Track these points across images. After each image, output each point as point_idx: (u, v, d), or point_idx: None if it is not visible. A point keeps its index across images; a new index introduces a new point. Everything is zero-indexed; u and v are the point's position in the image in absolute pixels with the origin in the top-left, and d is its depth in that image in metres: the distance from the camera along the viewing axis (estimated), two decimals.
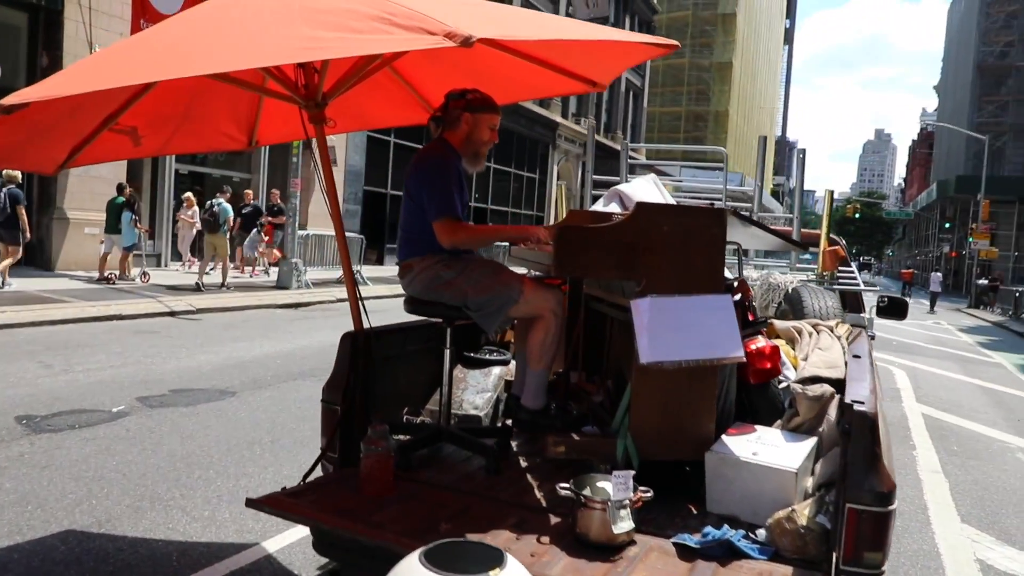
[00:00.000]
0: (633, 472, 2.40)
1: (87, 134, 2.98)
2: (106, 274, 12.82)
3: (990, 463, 6.47)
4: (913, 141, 75.38)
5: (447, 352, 3.15)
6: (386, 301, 14.44)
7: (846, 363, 3.19)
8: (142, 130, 3.09)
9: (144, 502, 4.06)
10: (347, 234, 13.72)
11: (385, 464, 2.70)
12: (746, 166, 55.58)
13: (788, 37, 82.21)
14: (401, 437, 3.21)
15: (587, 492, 2.43)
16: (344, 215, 20.12)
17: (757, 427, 2.90)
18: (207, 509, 4.03)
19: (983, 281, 34.20)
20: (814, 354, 3.21)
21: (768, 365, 2.97)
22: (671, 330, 2.64)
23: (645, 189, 4.13)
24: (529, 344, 3.03)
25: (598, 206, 4.26)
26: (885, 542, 2.27)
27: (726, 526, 2.53)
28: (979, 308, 32.09)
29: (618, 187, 4.17)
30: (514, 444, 3.27)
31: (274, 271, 15.55)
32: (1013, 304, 27.75)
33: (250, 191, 16.71)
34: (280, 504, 2.59)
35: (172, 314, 10.72)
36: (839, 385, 3.06)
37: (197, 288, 12.78)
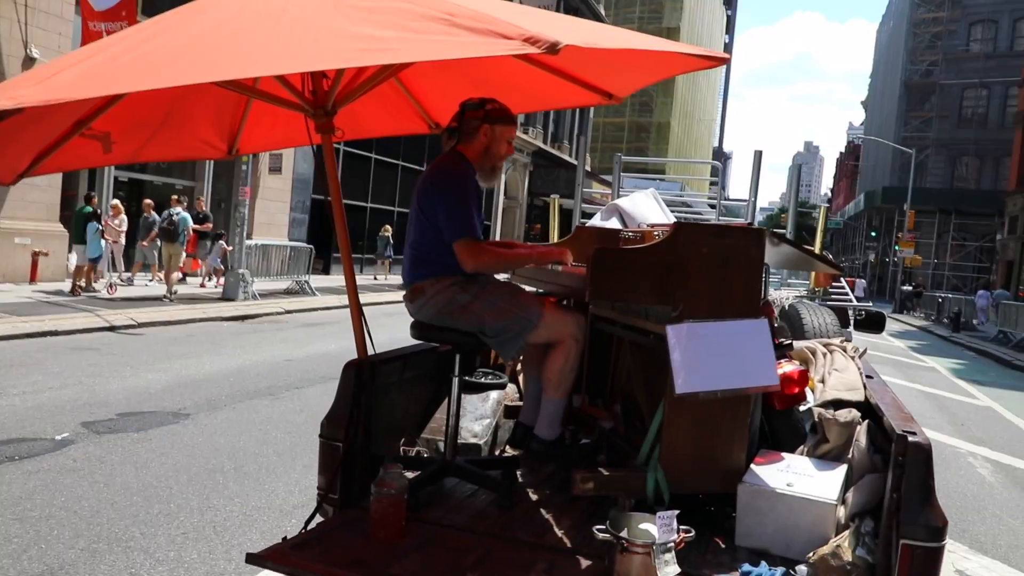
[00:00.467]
0: (677, 512, 2.23)
1: (55, 139, 2.66)
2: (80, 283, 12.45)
3: (946, 470, 6.54)
4: (841, 153, 78.17)
5: (455, 381, 2.93)
6: (336, 312, 14.10)
7: (864, 384, 3.10)
8: (115, 136, 2.78)
9: (100, 544, 3.70)
10: (294, 244, 13.28)
11: (398, 507, 2.47)
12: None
13: (727, 51, 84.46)
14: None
15: (625, 534, 2.26)
16: (291, 224, 19.66)
17: (784, 455, 2.78)
18: (172, 549, 3.70)
19: (907, 287, 35.60)
20: (832, 376, 3.11)
21: (796, 390, 2.85)
22: (707, 358, 2.49)
23: (646, 204, 4.00)
24: (547, 371, 2.84)
25: (595, 221, 4.10)
26: None
27: (764, 564, 2.39)
28: (903, 313, 33.32)
29: (617, 202, 4.03)
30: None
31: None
32: (936, 309, 28.91)
33: (202, 198, 16.06)
34: (286, 559, 2.32)
35: (112, 329, 10.13)
36: (860, 408, 2.97)
37: (168, 299, 12.65)
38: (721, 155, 68.82)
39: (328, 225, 21.13)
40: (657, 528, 2.19)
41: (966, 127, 38.53)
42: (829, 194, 56.51)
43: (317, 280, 16.97)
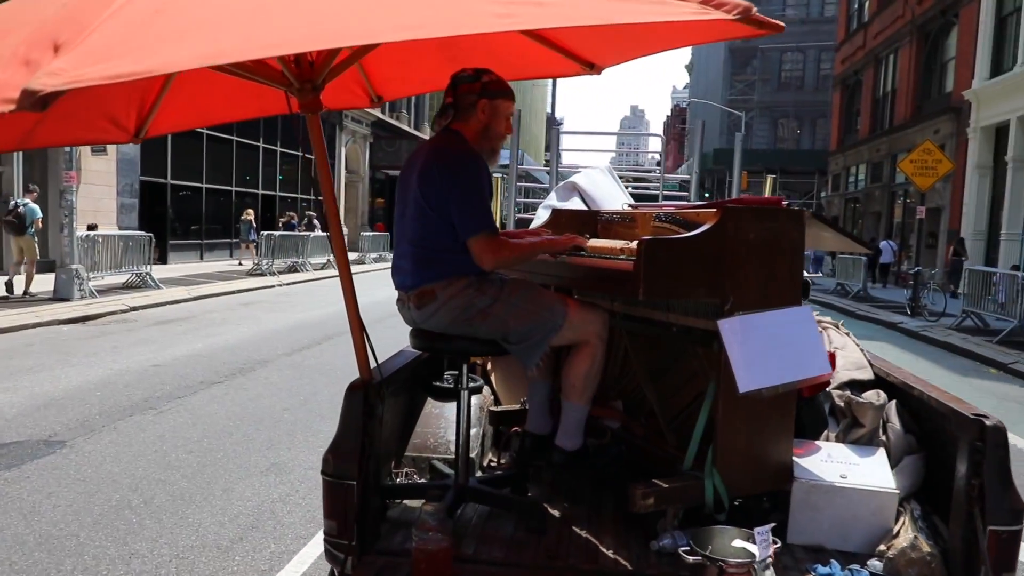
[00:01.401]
0: (773, 524, 2.06)
1: None
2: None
3: None
4: (667, 117, 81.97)
5: (464, 394, 2.60)
6: (189, 306, 12.96)
7: (869, 361, 3.08)
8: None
9: None
10: (130, 232, 12.01)
11: (445, 553, 2.13)
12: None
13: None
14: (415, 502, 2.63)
15: (710, 552, 2.07)
16: (120, 210, 17.81)
17: (819, 444, 2.69)
18: None
19: None
20: (837, 356, 3.06)
21: (826, 376, 2.75)
22: (763, 352, 2.32)
23: (604, 181, 3.78)
24: (571, 375, 2.57)
25: (552, 200, 3.84)
26: (1016, 562, 2.16)
27: (835, 563, 2.29)
28: None
29: (574, 180, 3.78)
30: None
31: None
32: None
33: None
34: None
35: None
36: (874, 386, 2.94)
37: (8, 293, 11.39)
38: (553, 121, 70.10)
39: (160, 210, 19.42)
40: (757, 544, 2.02)
41: (785, 90, 41.56)
42: (658, 157, 58.96)
43: (158, 271, 15.51)
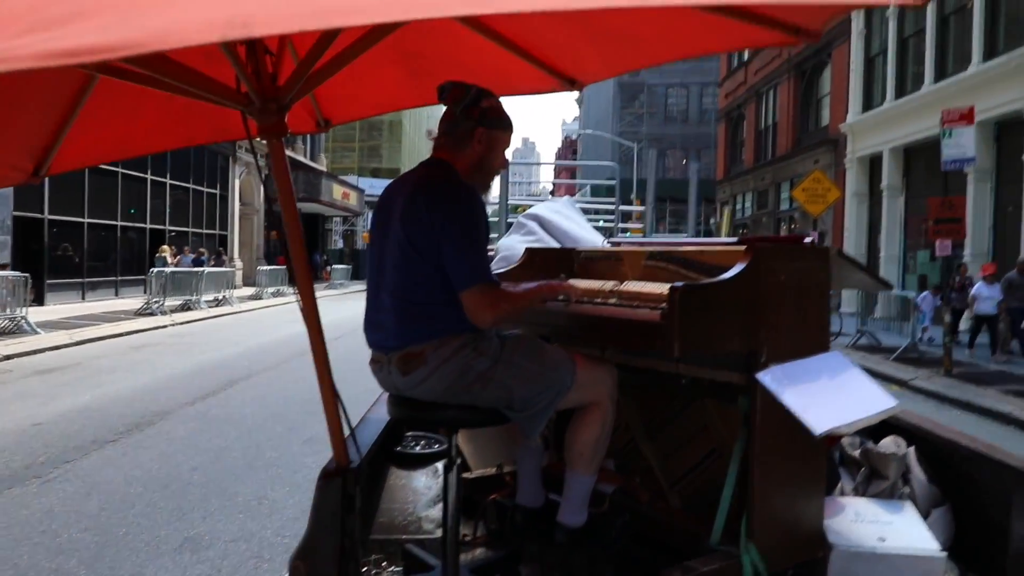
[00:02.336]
0: None
1: None
2: None
3: None
4: (559, 148, 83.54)
5: (453, 476, 2.21)
6: (72, 352, 11.76)
7: None
8: None
9: None
10: (3, 273, 10.79)
11: None
12: None
13: None
14: None
15: None
16: None
17: (840, 500, 2.46)
18: None
19: None
20: None
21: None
22: (820, 395, 2.05)
23: (567, 214, 3.49)
24: (578, 441, 2.24)
25: (515, 237, 3.51)
26: None
27: None
28: None
29: (535, 211, 3.47)
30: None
31: None
32: None
33: None
34: None
35: None
36: (886, 431, 2.75)
37: None
38: None
39: (36, 247, 17.84)
40: None
41: (671, 123, 43.51)
42: (551, 187, 60.04)
43: (34, 313, 14.14)
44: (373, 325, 2.18)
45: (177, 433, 6.65)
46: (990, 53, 14.75)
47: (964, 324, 13.10)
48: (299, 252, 1.97)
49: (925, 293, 10.96)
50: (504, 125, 2.23)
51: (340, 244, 44.96)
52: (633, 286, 2.47)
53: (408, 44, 2.39)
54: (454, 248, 2.02)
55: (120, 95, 2.24)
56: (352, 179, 42.66)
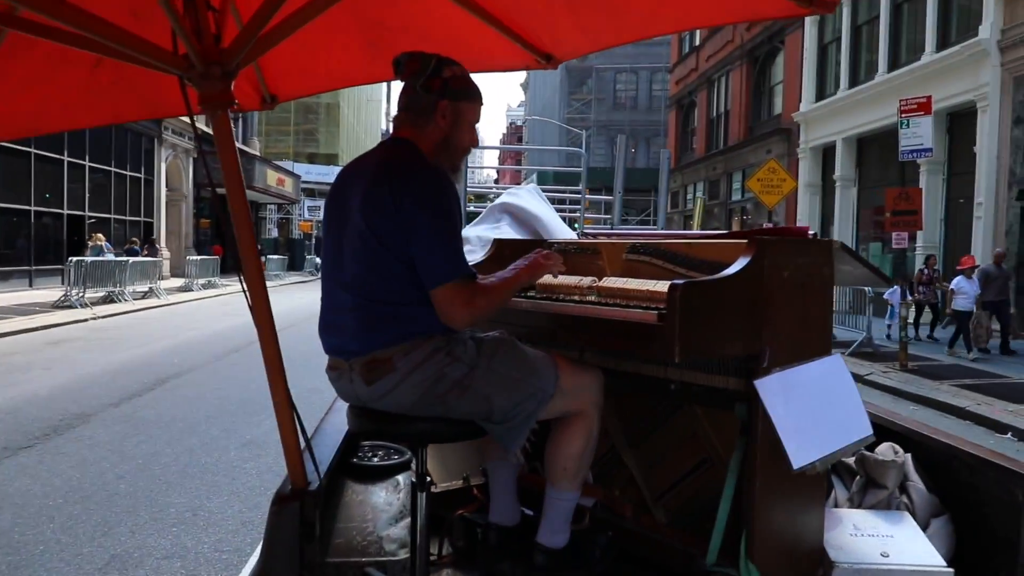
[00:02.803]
0: None
1: None
2: None
3: None
4: (503, 135, 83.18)
5: (423, 496, 1.95)
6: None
7: None
8: None
9: None
10: None
11: None
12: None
13: None
14: None
15: None
16: None
17: (836, 512, 2.29)
18: None
19: None
20: None
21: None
22: (808, 415, 1.88)
23: (534, 203, 3.25)
24: (560, 455, 2.00)
25: (481, 227, 3.25)
26: None
27: None
28: None
29: (505, 201, 3.22)
30: None
31: None
32: None
33: None
34: None
35: None
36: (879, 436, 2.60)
37: None
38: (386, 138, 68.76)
39: None
40: None
41: (620, 109, 43.22)
42: (495, 175, 59.71)
43: None
44: (331, 327, 1.91)
45: (100, 438, 6.18)
46: (943, 43, 15.02)
47: (924, 318, 13.19)
48: (248, 242, 1.69)
49: (895, 287, 10.97)
50: (471, 95, 1.98)
51: (275, 233, 43.72)
52: (614, 282, 2.25)
53: (369, 10, 2.11)
54: (423, 239, 1.76)
55: (33, 62, 1.91)
56: (287, 164, 41.51)
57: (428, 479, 1.94)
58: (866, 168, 18.64)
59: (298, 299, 20.87)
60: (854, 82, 18.41)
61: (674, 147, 32.26)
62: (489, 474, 2.28)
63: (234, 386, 8.32)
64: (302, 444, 1.76)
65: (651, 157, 39.60)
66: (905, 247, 11.16)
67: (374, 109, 63.10)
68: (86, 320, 14.65)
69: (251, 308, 1.75)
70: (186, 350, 11.02)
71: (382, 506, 2.46)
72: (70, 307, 15.74)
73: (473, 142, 2.00)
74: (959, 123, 14.91)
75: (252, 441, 6.03)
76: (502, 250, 2.65)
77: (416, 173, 1.82)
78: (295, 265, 39.10)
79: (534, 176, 27.43)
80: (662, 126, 36.77)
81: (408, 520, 2.46)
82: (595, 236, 2.68)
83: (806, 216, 20.39)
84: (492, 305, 1.86)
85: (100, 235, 19.87)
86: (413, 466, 2.67)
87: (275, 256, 34.16)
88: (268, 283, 1.75)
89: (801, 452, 1.79)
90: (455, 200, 1.83)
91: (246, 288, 1.70)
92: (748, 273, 1.80)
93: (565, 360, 2.02)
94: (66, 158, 21.11)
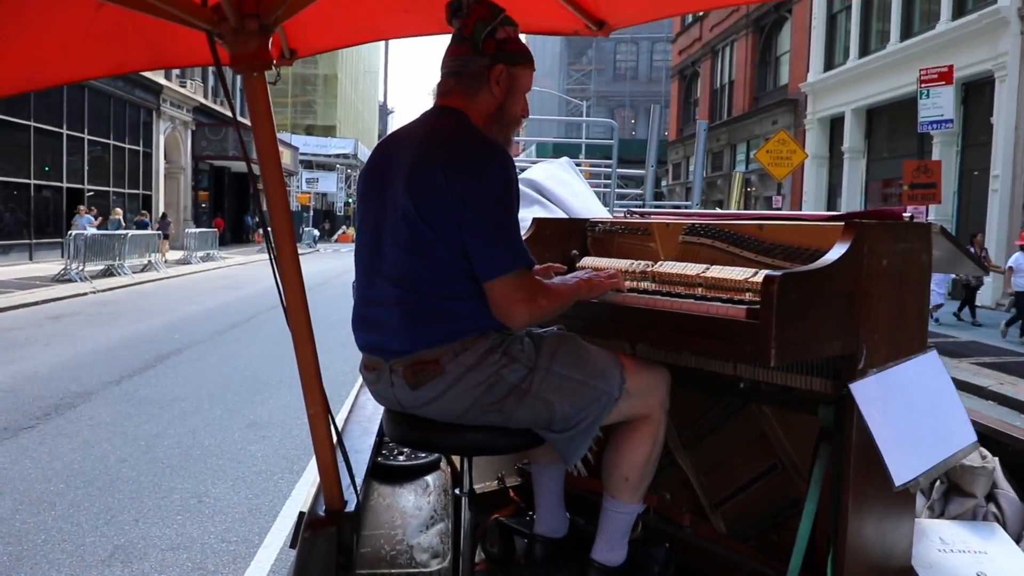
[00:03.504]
0: None
1: None
2: None
3: None
4: None
5: (464, 500, 1.74)
6: None
7: None
8: None
9: None
10: None
11: None
12: (355, 131, 55.10)
13: None
14: None
15: None
16: None
17: (920, 522, 2.08)
18: None
19: None
20: None
21: None
22: (909, 424, 1.66)
23: (567, 179, 3.00)
24: (623, 463, 1.78)
25: None
26: None
27: None
28: None
29: (533, 177, 2.97)
30: None
31: None
32: None
33: None
34: None
35: None
36: None
37: None
38: (385, 110, 68.20)
39: None
40: None
41: (621, 80, 42.63)
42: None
43: None
44: (367, 323, 1.68)
45: (102, 418, 5.98)
46: (959, 11, 14.62)
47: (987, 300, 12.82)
48: (285, 223, 1.45)
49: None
50: (526, 60, 1.74)
51: None
52: (673, 268, 2.02)
53: None
54: (482, 226, 1.54)
55: (27, 4, 1.66)
56: (285, 136, 40.95)
57: (473, 490, 1.72)
58: (875, 139, 18.31)
59: None
60: (864, 52, 18.01)
61: (676, 119, 31.78)
62: (535, 479, 2.06)
63: (236, 363, 8.12)
64: (343, 472, 1.53)
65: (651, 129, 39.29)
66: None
67: (372, 80, 62.39)
68: (86, 294, 14.42)
69: (285, 311, 1.51)
70: (186, 325, 10.81)
71: (411, 511, 2.24)
72: (70, 281, 15.51)
73: (525, 112, 1.77)
74: (975, 93, 14.56)
75: (256, 422, 5.83)
76: (543, 229, 2.41)
77: (473, 150, 1.58)
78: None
79: (532, 149, 27.07)
80: (663, 97, 36.25)
81: (440, 526, 2.25)
82: (644, 215, 2.44)
83: (812, 188, 20.11)
84: (554, 309, 1.64)
85: (118, 209, 19.59)
86: (443, 465, 2.46)
87: None
88: (266, 255, 1.52)
89: (903, 467, 1.57)
90: (516, 182, 1.59)
91: (282, 291, 1.47)
92: (846, 262, 1.57)
93: (630, 358, 1.79)
94: (65, 131, 20.75)
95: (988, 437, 2.22)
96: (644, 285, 2.08)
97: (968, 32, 14.05)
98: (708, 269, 1.95)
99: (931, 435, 1.67)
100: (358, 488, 1.61)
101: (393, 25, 2.11)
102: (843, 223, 1.63)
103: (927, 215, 11.08)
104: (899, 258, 1.68)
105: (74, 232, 16.47)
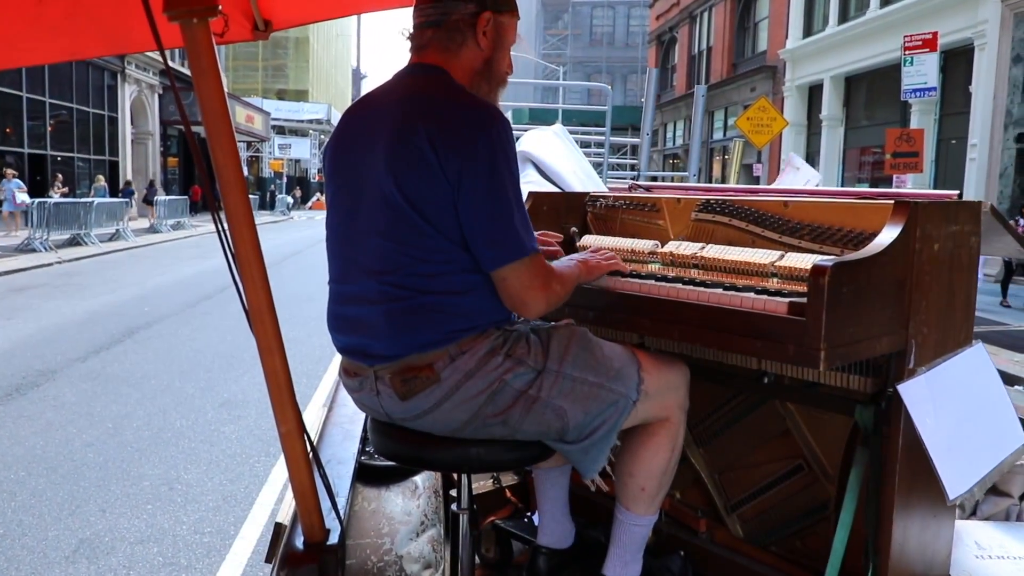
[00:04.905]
0: None
1: None
2: None
3: None
4: None
5: (463, 520, 1.55)
6: None
7: None
8: None
9: None
10: None
11: None
12: (328, 96, 54.04)
13: None
14: None
15: None
16: None
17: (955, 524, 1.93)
18: None
19: None
20: None
21: None
22: (959, 426, 1.49)
23: (560, 149, 2.79)
24: (640, 471, 1.60)
25: None
26: None
27: None
28: None
29: (524, 147, 2.75)
30: None
31: None
32: None
33: None
34: None
35: None
36: None
37: None
38: (358, 75, 66.81)
39: None
40: None
41: (597, 45, 42.04)
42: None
43: None
44: (345, 323, 1.46)
45: (66, 398, 5.70)
46: None
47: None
48: (241, 204, 1.22)
49: None
50: (512, 7, 1.54)
51: (245, 172, 42.30)
52: (687, 248, 1.83)
53: None
54: (484, 207, 1.32)
55: None
56: (256, 101, 39.96)
57: (475, 509, 1.54)
58: (854, 107, 18.23)
59: (270, 240, 20.20)
60: (844, 18, 17.85)
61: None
62: (537, 486, 1.88)
63: (208, 338, 7.84)
64: (323, 497, 1.32)
65: (628, 95, 38.78)
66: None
67: (344, 44, 61.03)
68: (51, 264, 13.95)
69: (247, 313, 1.29)
70: (156, 297, 10.47)
71: (400, 516, 2.06)
72: (33, 251, 15.00)
73: (510, 69, 1.56)
74: (954, 61, 14.47)
75: (230, 400, 5.61)
76: (539, 204, 2.20)
77: (464, 113, 1.36)
78: (264, 204, 38.09)
79: (510, 114, 26.56)
80: (640, 63, 35.85)
81: (432, 532, 2.07)
82: (649, 188, 2.23)
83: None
84: (566, 294, 1.45)
85: (11, 170, 18.09)
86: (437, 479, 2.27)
87: None
88: None
89: (957, 478, 1.41)
90: (515, 151, 1.37)
91: (241, 289, 1.24)
92: (898, 247, 1.38)
93: (646, 353, 1.60)
94: (25, 94, 19.94)
95: None
96: (652, 267, 1.89)
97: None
98: (726, 251, 1.76)
99: (981, 439, 1.52)
100: (342, 515, 1.41)
101: None
102: (889, 202, 1.44)
103: (907, 184, 11.02)
104: (950, 242, 1.50)
105: (36, 200, 15.85)
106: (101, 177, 19.13)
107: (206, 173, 1.26)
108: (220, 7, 1.15)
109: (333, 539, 1.34)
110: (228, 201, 1.23)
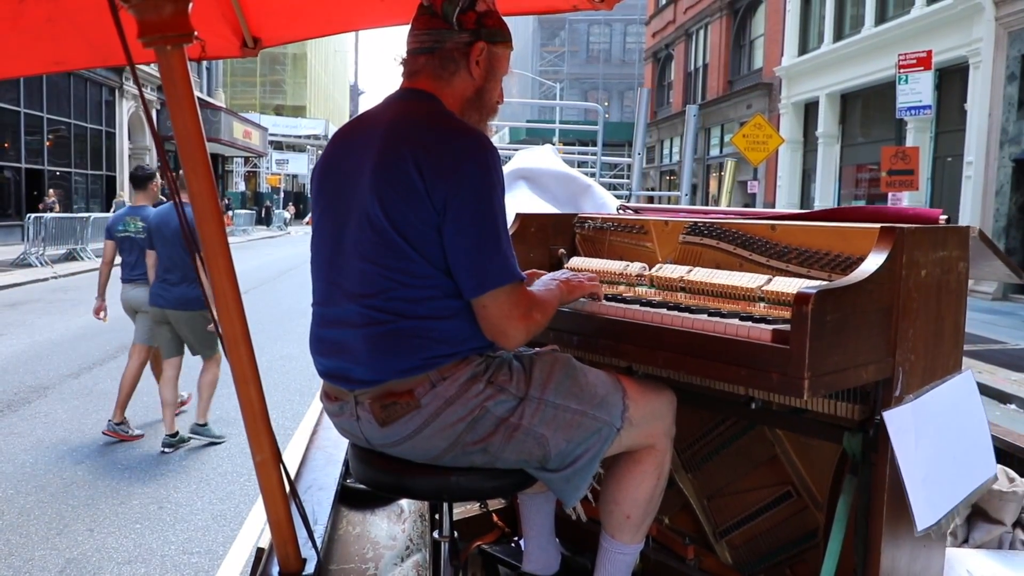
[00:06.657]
0: None
1: None
2: None
3: None
4: None
5: (444, 545, 1.53)
6: None
7: None
8: None
9: None
10: None
11: None
12: (325, 112, 54.22)
13: None
14: None
15: None
16: None
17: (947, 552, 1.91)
18: None
19: None
20: None
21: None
22: (936, 456, 1.48)
23: (554, 168, 2.78)
24: (625, 500, 1.58)
25: None
26: None
27: None
28: None
29: (519, 164, 2.75)
30: None
31: None
32: None
33: None
34: None
35: None
36: None
37: None
38: (356, 91, 67.08)
39: None
40: None
41: (594, 62, 42.26)
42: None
43: None
44: (327, 346, 1.44)
45: (58, 415, 5.67)
46: None
47: None
48: (216, 235, 1.20)
49: None
50: (506, 38, 1.55)
51: (242, 187, 42.42)
52: (674, 271, 1.81)
53: None
54: (469, 233, 1.31)
55: None
56: (254, 117, 40.07)
57: (455, 536, 1.51)
58: (849, 125, 18.27)
59: (266, 255, 20.23)
60: (839, 36, 17.92)
61: (651, 101, 31.58)
62: (522, 512, 1.86)
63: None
64: (299, 524, 1.30)
65: (624, 111, 38.94)
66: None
67: (342, 60, 61.31)
68: (46, 279, 13.91)
69: (222, 341, 1.28)
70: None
71: (384, 541, 2.02)
72: (29, 266, 14.97)
73: (501, 99, 1.56)
74: (949, 79, 14.52)
75: (221, 418, 5.55)
76: (527, 227, 2.19)
77: (452, 139, 1.36)
78: (262, 219, 38.12)
79: (505, 132, 26.68)
80: (636, 80, 36.01)
81: (417, 557, 2.04)
82: (636, 210, 2.23)
83: (786, 174, 20.08)
84: (546, 321, 1.44)
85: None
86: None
87: (242, 211, 33.16)
88: (235, 239, 1.28)
89: (927, 509, 1.39)
90: (502, 180, 1.37)
91: (216, 318, 1.23)
92: (884, 273, 1.37)
93: (631, 380, 1.58)
94: (23, 110, 19.97)
95: (1011, 456, 2.06)
96: (641, 290, 1.88)
97: (943, 18, 13.98)
98: (713, 274, 1.75)
99: (955, 470, 1.50)
100: (320, 544, 1.39)
101: (365, 15, 1.87)
102: (874, 226, 1.44)
103: (903, 202, 11.05)
104: (937, 267, 1.49)
105: (32, 215, 15.87)
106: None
107: (179, 206, 1.24)
108: (196, 32, 1.14)
109: (310, 569, 1.31)
110: (203, 231, 1.21)
